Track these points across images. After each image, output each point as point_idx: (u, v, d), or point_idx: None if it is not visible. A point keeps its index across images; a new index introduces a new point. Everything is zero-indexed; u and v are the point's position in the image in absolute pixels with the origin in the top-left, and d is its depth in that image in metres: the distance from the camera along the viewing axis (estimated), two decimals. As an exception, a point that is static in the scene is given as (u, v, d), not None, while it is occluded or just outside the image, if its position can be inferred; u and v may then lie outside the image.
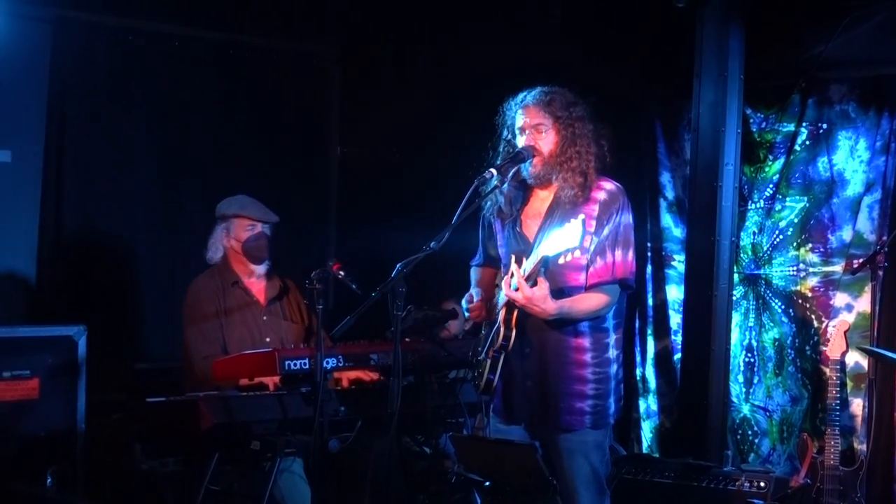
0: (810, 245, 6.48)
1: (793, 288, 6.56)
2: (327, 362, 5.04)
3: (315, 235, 8.20)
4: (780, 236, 6.60)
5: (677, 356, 6.96)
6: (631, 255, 4.69)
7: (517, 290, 4.44)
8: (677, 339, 6.97)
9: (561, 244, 4.32)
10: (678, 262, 7.03)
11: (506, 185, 4.72)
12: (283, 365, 5.01)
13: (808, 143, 6.52)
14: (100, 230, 7.27)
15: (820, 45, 6.30)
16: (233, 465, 5.41)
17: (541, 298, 4.43)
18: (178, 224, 7.49)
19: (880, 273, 6.09)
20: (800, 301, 6.52)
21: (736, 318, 6.64)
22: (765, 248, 6.67)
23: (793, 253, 6.56)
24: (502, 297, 4.65)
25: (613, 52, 6.87)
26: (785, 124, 6.60)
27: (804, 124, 6.52)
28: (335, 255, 7.61)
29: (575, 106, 4.70)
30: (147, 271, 7.44)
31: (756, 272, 6.70)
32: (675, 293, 7.06)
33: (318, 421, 4.74)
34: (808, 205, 6.51)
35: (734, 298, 6.57)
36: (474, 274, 5.09)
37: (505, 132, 4.82)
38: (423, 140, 7.77)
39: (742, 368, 6.72)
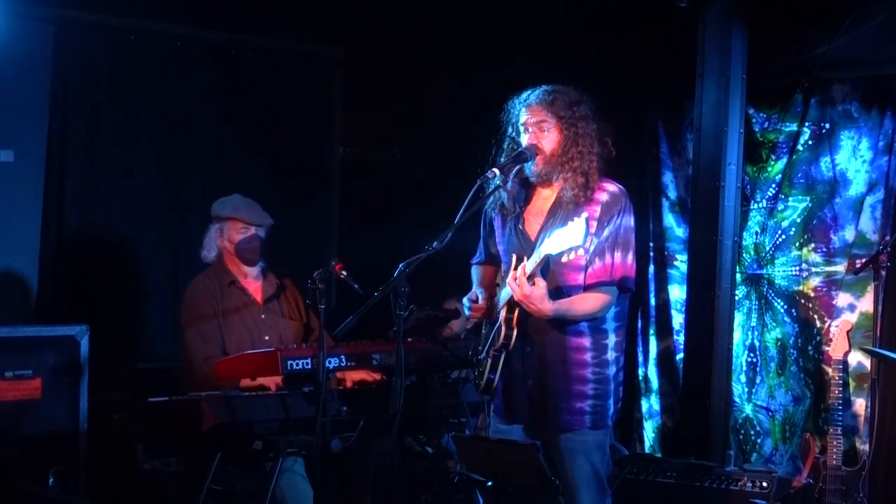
0: (813, 245, 6.48)
1: (795, 288, 6.56)
2: (330, 362, 5.04)
3: (317, 235, 8.20)
4: (783, 236, 6.60)
5: (679, 356, 6.96)
6: (631, 257, 4.68)
7: (518, 285, 4.44)
8: (679, 338, 6.98)
9: (564, 243, 4.32)
10: (680, 262, 7.02)
11: (508, 184, 4.72)
12: (286, 365, 5.01)
13: (810, 142, 6.52)
14: (102, 230, 7.26)
15: (822, 45, 6.30)
16: (235, 464, 5.41)
17: (538, 298, 4.44)
18: (180, 223, 7.48)
19: (883, 273, 6.09)
20: (802, 301, 6.52)
21: (738, 317, 6.64)
22: (767, 248, 6.67)
23: (795, 253, 6.56)
24: (503, 296, 4.65)
25: (616, 52, 6.88)
26: (787, 124, 6.60)
27: (807, 124, 6.52)
28: (337, 255, 7.62)
29: (578, 105, 4.69)
30: (149, 271, 7.44)
31: (758, 272, 6.70)
32: (677, 293, 7.06)
33: (320, 421, 4.73)
34: (810, 205, 6.50)
35: (736, 298, 6.57)
36: (475, 272, 5.09)
37: (509, 130, 4.82)
38: (425, 140, 7.77)
39: (744, 368, 6.72)
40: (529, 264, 4.46)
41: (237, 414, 5.08)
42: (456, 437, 4.82)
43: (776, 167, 6.64)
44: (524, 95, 4.78)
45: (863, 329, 6.22)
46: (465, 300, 4.85)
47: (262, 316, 6.01)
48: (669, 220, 7.13)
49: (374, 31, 7.75)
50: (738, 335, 6.65)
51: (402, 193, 7.85)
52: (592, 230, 4.59)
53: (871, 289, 6.21)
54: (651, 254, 7.18)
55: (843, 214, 6.39)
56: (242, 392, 5.36)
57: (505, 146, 4.83)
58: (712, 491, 5.89)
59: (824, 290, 6.45)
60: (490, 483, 4.51)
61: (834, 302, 6.39)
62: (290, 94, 8.01)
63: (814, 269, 6.48)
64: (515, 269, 4.51)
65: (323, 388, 4.78)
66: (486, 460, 4.55)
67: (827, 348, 6.22)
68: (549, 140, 4.67)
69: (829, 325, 6.33)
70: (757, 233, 6.70)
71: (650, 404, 7.21)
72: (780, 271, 6.62)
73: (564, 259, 4.44)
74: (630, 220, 4.70)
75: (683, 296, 6.88)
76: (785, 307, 6.59)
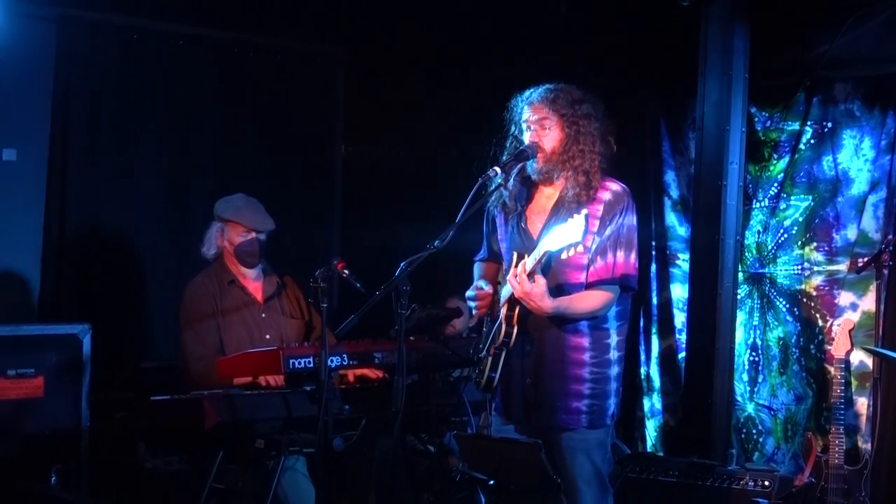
0: (815, 244, 6.48)
1: (797, 287, 6.55)
2: (332, 360, 5.05)
3: (319, 233, 8.21)
4: (785, 235, 6.59)
5: (682, 355, 6.96)
6: (633, 256, 4.68)
7: (518, 282, 4.44)
8: (682, 337, 6.97)
9: (563, 239, 4.32)
10: (682, 261, 7.02)
11: (510, 182, 4.72)
12: (288, 363, 5.02)
13: (812, 141, 6.51)
14: (104, 228, 7.28)
15: (825, 44, 6.29)
16: (237, 463, 5.42)
17: (538, 295, 4.44)
18: (183, 222, 7.50)
19: (885, 272, 6.09)
20: (804, 300, 6.51)
21: (740, 316, 6.63)
22: (769, 247, 6.66)
23: (797, 252, 6.55)
24: (505, 293, 4.65)
25: (618, 51, 6.87)
26: (789, 123, 6.59)
27: (809, 123, 6.51)
28: (339, 254, 7.64)
29: (581, 104, 4.69)
30: (151, 269, 7.45)
31: (760, 271, 6.70)
32: (679, 292, 7.06)
33: (322, 419, 4.73)
34: (812, 203, 6.50)
35: (738, 297, 6.57)
36: (477, 269, 5.09)
37: (512, 128, 4.82)
38: (427, 139, 7.77)
39: (746, 367, 6.71)
40: (529, 261, 4.46)
41: (239, 413, 5.09)
42: (458, 435, 4.82)
43: (778, 166, 6.63)
44: (527, 93, 4.79)
45: (865, 328, 6.21)
46: (469, 291, 4.84)
47: (263, 315, 6.02)
48: (671, 218, 7.13)
49: (376, 31, 7.76)
50: (740, 334, 6.64)
51: (404, 192, 7.86)
52: (594, 228, 4.59)
53: (873, 288, 6.20)
54: (653, 253, 7.17)
55: (845, 213, 6.38)
56: (244, 391, 5.36)
57: (508, 144, 4.83)
58: (714, 490, 5.89)
59: (826, 288, 6.44)
60: (492, 482, 4.51)
61: (836, 301, 6.39)
62: (292, 93, 8.02)
63: (816, 268, 6.48)
64: (516, 266, 4.51)
65: (325, 386, 4.78)
66: (488, 459, 4.55)
67: (829, 347, 6.21)
68: (551, 138, 4.67)
69: (832, 324, 6.33)
70: (759, 232, 6.70)
71: (652, 403, 7.21)
72: (782, 270, 6.62)
73: (564, 256, 4.44)
74: (633, 219, 4.70)
75: (685, 294, 6.88)
76: (787, 306, 6.59)
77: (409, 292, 4.42)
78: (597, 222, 4.60)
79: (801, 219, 6.53)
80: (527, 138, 4.71)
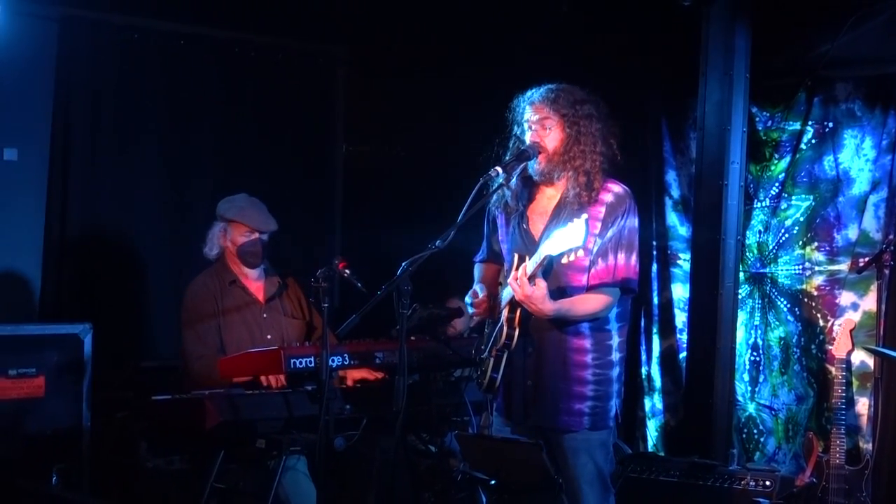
0: (816, 244, 6.48)
1: (798, 286, 6.55)
2: (333, 360, 5.05)
3: (320, 233, 8.21)
4: (786, 235, 6.60)
5: (683, 355, 6.96)
6: (634, 258, 4.67)
7: (519, 286, 4.44)
8: (683, 337, 6.97)
9: (564, 244, 4.31)
10: (684, 261, 7.02)
11: (512, 182, 4.71)
12: (289, 363, 5.02)
13: (813, 141, 6.51)
14: (105, 228, 7.28)
15: (826, 44, 6.29)
16: (238, 463, 5.42)
17: (539, 298, 4.43)
18: (184, 222, 7.50)
19: (886, 272, 6.09)
20: (805, 300, 6.52)
21: (741, 316, 6.63)
22: (770, 247, 6.66)
23: (798, 251, 6.55)
24: (506, 295, 4.65)
25: (619, 51, 6.87)
26: (791, 123, 6.60)
27: (810, 123, 6.52)
28: (340, 254, 7.63)
29: (582, 104, 4.68)
30: (152, 269, 7.45)
31: (762, 271, 6.70)
32: (680, 292, 7.06)
33: (323, 419, 4.73)
34: (813, 203, 6.50)
35: (740, 297, 6.56)
36: (478, 270, 5.08)
37: (515, 128, 4.81)
38: (428, 138, 7.77)
39: (747, 367, 6.72)
40: (530, 265, 4.45)
41: (240, 412, 5.09)
42: (459, 435, 4.81)
43: (779, 166, 6.64)
44: (528, 94, 4.78)
45: (866, 328, 6.21)
46: (467, 297, 4.85)
47: (264, 315, 6.01)
48: (672, 218, 7.13)
49: (377, 30, 7.75)
50: (741, 334, 6.64)
51: (405, 192, 7.86)
52: (596, 231, 4.58)
53: (874, 287, 6.21)
54: (654, 252, 7.18)
55: (846, 213, 6.38)
56: (245, 391, 5.37)
57: (511, 145, 4.82)
58: (715, 490, 5.90)
59: (827, 288, 6.44)
60: (493, 482, 4.50)
61: (837, 301, 6.39)
62: (293, 93, 8.02)
63: (817, 268, 6.48)
64: (517, 268, 4.51)
65: (326, 386, 4.78)
66: (490, 459, 4.55)
67: (830, 347, 6.22)
68: (552, 138, 4.66)
69: (833, 324, 6.33)
70: (760, 231, 6.70)
71: (653, 403, 7.21)
72: (783, 270, 6.62)
73: (565, 260, 4.43)
74: (634, 222, 4.69)
75: (686, 294, 6.88)
76: (788, 306, 6.59)
77: (410, 292, 4.41)
78: (598, 224, 4.59)
79: (802, 219, 6.54)
80: (528, 138, 4.71)
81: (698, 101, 6.51)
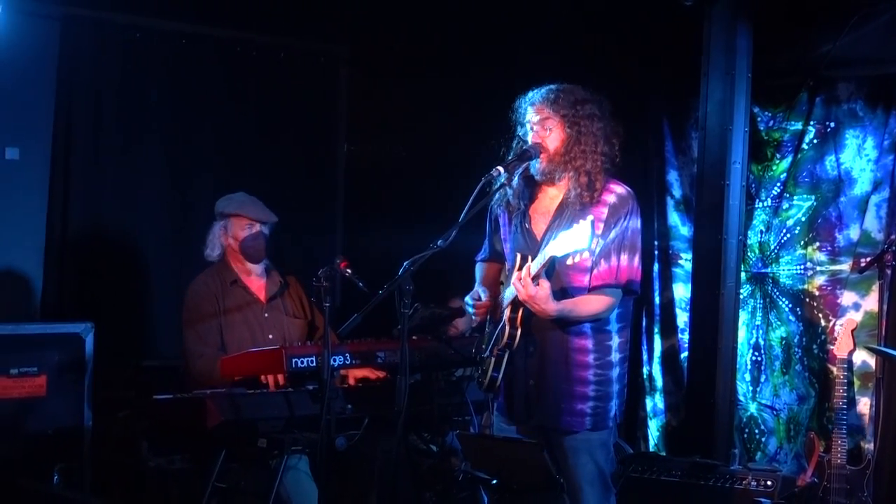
0: (818, 244, 6.48)
1: (800, 286, 6.55)
2: (334, 360, 5.05)
3: (322, 233, 8.20)
4: (788, 235, 6.60)
5: (684, 354, 6.96)
6: (637, 260, 4.67)
7: (522, 286, 4.44)
8: (684, 337, 6.98)
9: (569, 245, 4.30)
10: (685, 261, 7.02)
11: (514, 181, 4.72)
12: (290, 362, 5.02)
13: (815, 141, 6.52)
14: (107, 227, 7.28)
15: (827, 44, 6.29)
16: (239, 462, 5.42)
17: (542, 298, 4.43)
18: (186, 221, 7.49)
19: (888, 272, 6.09)
20: (807, 300, 6.52)
21: (743, 316, 6.63)
22: (772, 247, 6.67)
23: (800, 251, 6.55)
24: (508, 295, 4.65)
25: (621, 50, 6.87)
26: (792, 123, 6.60)
27: (812, 123, 6.52)
28: (342, 253, 7.62)
29: (584, 104, 4.68)
30: (154, 268, 7.45)
31: (763, 271, 6.70)
32: (681, 291, 7.06)
33: (324, 419, 4.73)
34: (815, 203, 6.50)
35: (741, 297, 6.57)
36: (479, 269, 5.08)
37: (518, 129, 4.82)
38: (429, 138, 7.76)
39: (749, 367, 6.72)
40: (534, 265, 4.45)
41: (242, 412, 5.09)
42: (460, 435, 4.82)
43: (781, 166, 6.64)
44: (530, 94, 4.78)
45: (867, 328, 6.22)
46: (467, 298, 4.84)
47: (266, 314, 6.01)
48: (674, 218, 7.13)
49: (379, 30, 7.75)
50: (742, 334, 6.65)
51: (407, 191, 7.85)
52: (599, 231, 4.57)
53: (875, 287, 6.20)
54: (655, 252, 7.18)
55: (847, 213, 6.38)
56: (246, 390, 5.37)
57: (514, 145, 4.82)
58: (716, 489, 5.90)
59: (829, 288, 6.45)
60: (494, 481, 4.51)
61: (839, 301, 6.39)
62: (295, 92, 8.01)
63: (818, 268, 6.48)
64: (520, 268, 4.51)
65: (328, 386, 4.78)
66: (491, 458, 4.56)
67: (832, 347, 6.23)
68: (553, 138, 4.66)
69: (834, 324, 6.34)
70: (762, 231, 6.70)
71: (654, 403, 7.21)
72: (784, 270, 6.62)
73: (569, 262, 4.44)
74: (637, 223, 4.69)
75: (688, 294, 6.88)
76: (790, 306, 6.59)
77: (411, 292, 4.42)
78: (601, 225, 4.59)
79: (803, 219, 6.54)
80: (530, 139, 4.71)
81: (700, 101, 6.51)
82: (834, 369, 6.12)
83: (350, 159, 8.40)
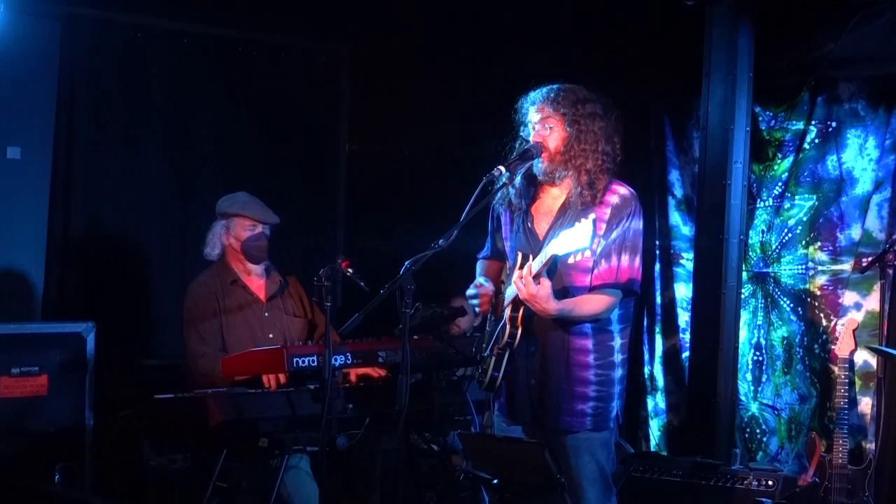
0: (819, 243, 6.47)
1: (801, 286, 6.55)
2: (336, 359, 5.05)
3: (324, 232, 8.20)
4: (789, 234, 6.59)
5: (685, 354, 6.96)
6: (638, 261, 4.67)
7: (524, 284, 4.44)
8: (685, 337, 6.97)
9: (571, 244, 4.30)
10: (686, 261, 7.02)
11: (516, 181, 4.72)
12: (292, 362, 5.02)
13: (817, 141, 6.51)
14: (109, 226, 7.28)
15: (829, 44, 6.29)
16: (241, 461, 5.42)
17: (543, 298, 4.43)
18: (187, 220, 7.50)
19: (889, 271, 6.09)
20: (808, 299, 6.51)
21: (744, 316, 6.63)
22: (773, 247, 6.66)
23: (801, 251, 6.55)
24: (509, 294, 4.65)
25: (622, 50, 6.87)
26: (794, 122, 6.59)
27: (813, 122, 6.51)
28: (343, 253, 7.63)
29: (584, 103, 4.68)
30: (156, 267, 7.45)
31: (765, 270, 6.70)
32: (683, 291, 7.06)
33: (326, 418, 4.74)
34: (816, 203, 6.50)
35: (742, 296, 6.56)
36: (480, 266, 5.07)
37: (521, 129, 4.82)
38: (432, 138, 7.77)
39: (750, 367, 6.71)
40: (535, 264, 4.45)
41: (243, 411, 5.09)
42: (461, 434, 4.81)
43: (782, 165, 6.63)
44: (532, 94, 4.79)
45: (869, 328, 6.21)
46: (470, 289, 4.82)
47: (266, 314, 6.01)
48: (675, 218, 7.13)
49: (381, 29, 7.75)
50: (744, 333, 6.64)
51: (409, 191, 7.86)
52: (601, 231, 4.57)
53: (877, 287, 6.20)
54: (657, 252, 7.18)
55: (849, 213, 6.38)
56: (248, 389, 5.37)
57: (517, 145, 4.82)
58: (718, 489, 5.90)
59: (830, 288, 6.44)
60: (496, 481, 4.51)
61: (840, 300, 6.39)
62: (297, 92, 8.02)
63: (820, 268, 6.47)
64: (521, 267, 4.51)
65: (329, 385, 4.78)
66: (492, 458, 4.56)
67: (833, 347, 6.22)
68: (554, 137, 4.67)
69: (836, 324, 6.33)
70: (763, 231, 6.69)
71: (656, 402, 7.21)
72: (786, 270, 6.62)
73: (571, 261, 4.44)
74: (639, 224, 4.68)
75: (689, 294, 6.88)
76: (791, 305, 6.58)
77: (413, 291, 4.42)
78: (603, 225, 4.59)
79: (805, 218, 6.53)
80: (531, 138, 4.72)
81: (701, 101, 6.51)
82: (835, 369, 6.12)
83: (352, 158, 8.41)
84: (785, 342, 6.61)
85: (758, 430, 6.70)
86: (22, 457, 5.66)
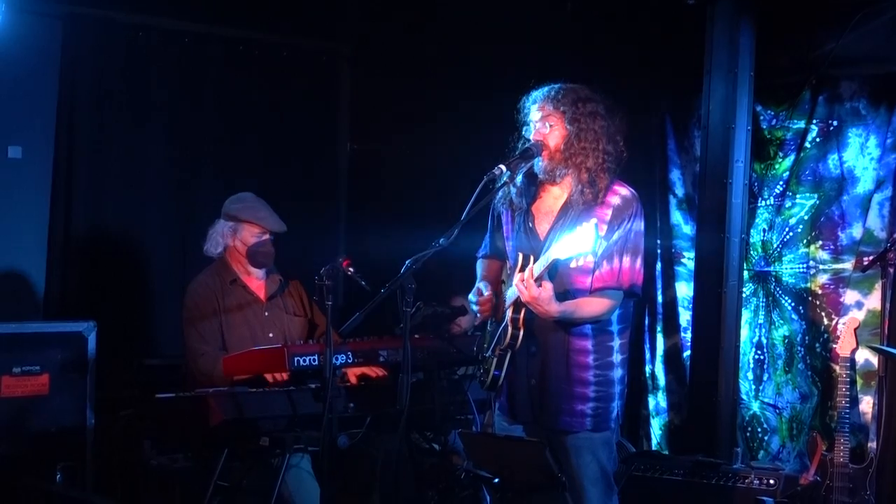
0: (820, 242, 6.47)
1: (803, 285, 6.54)
2: (337, 359, 5.05)
3: (325, 232, 8.20)
4: (790, 233, 6.59)
5: (687, 353, 6.95)
6: (639, 262, 4.67)
7: (525, 287, 4.44)
8: (687, 336, 6.96)
9: (573, 249, 4.30)
10: (688, 260, 7.01)
11: (517, 180, 4.71)
12: (293, 361, 5.02)
13: (818, 140, 6.51)
14: (110, 226, 7.28)
15: (831, 42, 6.28)
16: (242, 461, 5.43)
17: (545, 300, 4.43)
18: (189, 220, 7.50)
19: (891, 270, 6.09)
20: (810, 298, 6.51)
21: (746, 315, 6.63)
22: (775, 246, 6.66)
23: (803, 250, 6.54)
24: (510, 295, 4.65)
25: (623, 49, 6.86)
26: (795, 121, 6.59)
27: (814, 121, 6.51)
28: (345, 252, 7.63)
29: (586, 102, 4.68)
30: (157, 267, 7.46)
31: (766, 269, 6.69)
32: (684, 290, 7.05)
33: (327, 417, 4.74)
34: (818, 202, 6.49)
35: (744, 295, 6.56)
36: (480, 266, 5.08)
37: (523, 129, 4.82)
38: (433, 137, 7.76)
39: (752, 366, 6.71)
40: (537, 267, 4.45)
41: (244, 410, 5.09)
42: (463, 433, 4.81)
43: (784, 164, 6.63)
44: (534, 93, 4.79)
45: (870, 326, 6.21)
46: (471, 296, 4.84)
47: (266, 313, 6.01)
48: (677, 217, 7.12)
49: (382, 28, 7.75)
50: (745, 332, 6.64)
51: (410, 190, 7.85)
52: (602, 233, 4.56)
53: (878, 286, 6.20)
54: (658, 251, 7.17)
55: (850, 212, 6.37)
56: (249, 388, 5.37)
57: (519, 145, 4.82)
58: (719, 488, 5.90)
59: (832, 287, 6.43)
60: (497, 480, 4.51)
61: (841, 299, 6.38)
62: (298, 91, 8.03)
63: (821, 267, 6.47)
64: (522, 269, 4.51)
65: (330, 384, 4.78)
66: (493, 457, 4.55)
67: (834, 346, 6.22)
68: (554, 136, 4.67)
69: (837, 323, 6.33)
70: (764, 230, 6.69)
71: (657, 401, 7.21)
72: (787, 268, 6.61)
73: (573, 264, 4.45)
74: (640, 226, 4.68)
75: (691, 293, 6.87)
76: (792, 304, 6.58)
77: (414, 290, 4.42)
78: (604, 226, 4.59)
79: (806, 217, 6.53)
80: (532, 136, 4.72)
81: (703, 100, 6.50)
82: (837, 368, 6.11)
83: (353, 158, 8.41)
84: (786, 341, 6.61)
85: (759, 429, 6.70)
86: (23, 456, 5.66)
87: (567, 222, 4.59)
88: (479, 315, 4.87)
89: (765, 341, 6.68)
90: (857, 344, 6.00)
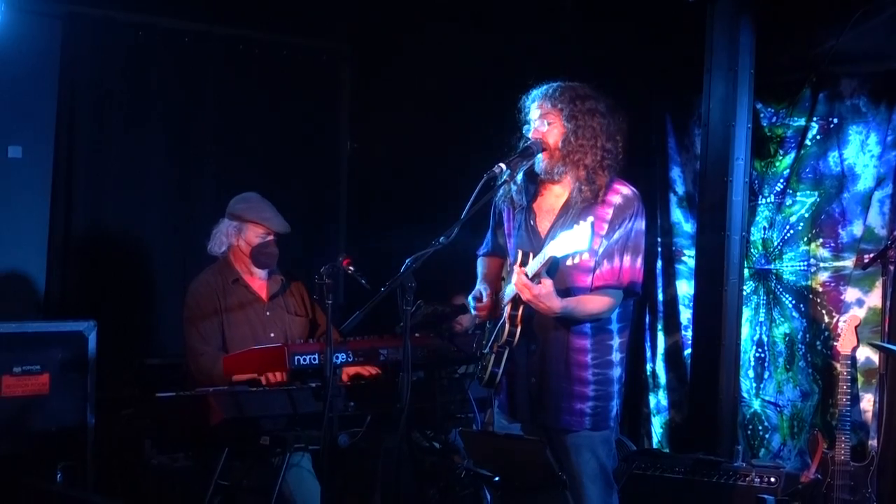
0: (821, 240, 6.47)
1: (803, 283, 6.54)
2: (337, 357, 5.04)
3: (325, 230, 8.21)
4: (791, 231, 6.59)
5: (687, 351, 6.95)
6: (639, 262, 4.66)
7: (524, 286, 4.43)
8: (687, 334, 6.96)
9: (569, 246, 4.30)
10: (688, 258, 7.01)
11: (518, 177, 4.71)
12: (293, 360, 5.02)
13: (818, 137, 6.50)
14: (110, 225, 7.28)
15: (831, 40, 6.28)
16: (242, 460, 5.42)
17: (546, 296, 4.43)
18: (189, 219, 7.50)
19: (891, 268, 6.09)
20: (810, 296, 6.51)
21: (746, 313, 6.62)
22: (775, 243, 6.65)
23: (803, 248, 6.54)
24: (509, 292, 4.64)
25: (623, 47, 6.86)
26: (795, 119, 6.58)
27: (815, 119, 6.50)
28: (345, 250, 7.63)
29: (584, 100, 4.68)
30: (157, 266, 7.46)
31: (766, 267, 6.69)
32: (685, 288, 7.05)
33: (327, 416, 4.73)
34: (818, 199, 6.49)
35: (744, 293, 6.56)
36: (481, 265, 5.08)
37: (524, 127, 4.82)
38: (433, 136, 7.76)
39: (752, 363, 6.71)
40: (533, 265, 4.45)
41: (244, 409, 5.09)
42: (463, 432, 4.81)
43: (784, 162, 6.63)
44: (533, 91, 4.79)
45: (871, 324, 6.20)
46: (470, 298, 4.84)
47: (267, 313, 6.01)
48: (677, 215, 7.12)
49: (382, 27, 7.75)
50: (745, 330, 6.63)
51: (410, 189, 7.85)
52: (602, 232, 4.57)
53: (879, 284, 6.20)
54: (659, 249, 7.17)
55: (851, 209, 6.37)
56: (250, 388, 5.36)
57: (520, 144, 4.82)
58: (720, 486, 5.90)
59: (832, 285, 6.43)
60: (497, 478, 4.50)
61: (842, 297, 6.38)
62: (298, 90, 8.03)
63: (822, 265, 6.47)
64: (522, 264, 4.51)
65: (330, 383, 4.78)
66: (494, 455, 4.55)
67: (835, 343, 6.22)
68: (553, 134, 4.67)
69: (838, 321, 6.33)
70: (765, 228, 6.69)
71: (658, 399, 7.21)
72: (788, 266, 6.61)
73: (570, 262, 4.45)
74: (641, 225, 4.68)
75: (691, 291, 6.87)
76: (793, 302, 6.58)
77: (414, 289, 4.42)
78: (605, 225, 4.59)
79: (806, 215, 6.53)
80: (531, 135, 4.72)
81: (703, 98, 6.50)
82: (837, 366, 6.11)
83: (353, 157, 8.41)
84: (787, 339, 6.61)
85: (760, 427, 6.69)
86: (23, 456, 5.66)
87: (568, 221, 4.59)
88: (478, 320, 4.88)
89: (766, 339, 6.68)
90: (858, 341, 6.00)
